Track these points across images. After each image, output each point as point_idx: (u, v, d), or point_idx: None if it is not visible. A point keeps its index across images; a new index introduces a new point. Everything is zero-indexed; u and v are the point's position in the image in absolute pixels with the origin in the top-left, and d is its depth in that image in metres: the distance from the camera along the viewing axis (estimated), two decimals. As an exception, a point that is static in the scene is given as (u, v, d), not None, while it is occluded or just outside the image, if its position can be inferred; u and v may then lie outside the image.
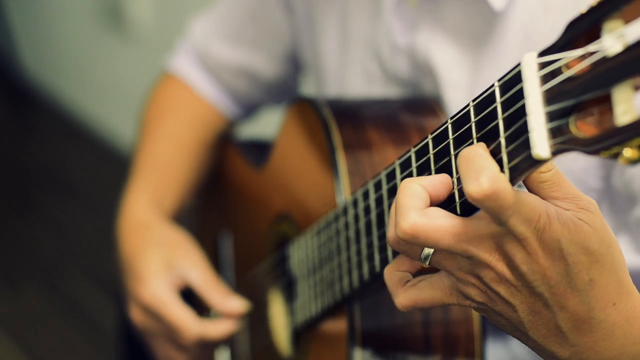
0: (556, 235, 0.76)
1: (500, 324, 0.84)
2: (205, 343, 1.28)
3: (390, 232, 0.82)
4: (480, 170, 0.73)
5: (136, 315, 1.30)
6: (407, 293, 0.85)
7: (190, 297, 1.31)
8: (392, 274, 0.87)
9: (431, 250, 0.81)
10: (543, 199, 0.77)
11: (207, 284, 1.28)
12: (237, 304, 1.28)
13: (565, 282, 0.78)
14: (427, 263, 0.82)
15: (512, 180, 0.73)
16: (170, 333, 1.27)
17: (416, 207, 0.78)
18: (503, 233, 0.76)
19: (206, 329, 1.26)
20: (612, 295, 0.79)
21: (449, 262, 0.81)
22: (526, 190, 0.78)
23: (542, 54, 0.70)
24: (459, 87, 1.13)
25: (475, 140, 0.77)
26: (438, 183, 0.80)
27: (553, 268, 0.77)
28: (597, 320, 0.79)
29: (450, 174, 0.80)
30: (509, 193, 0.72)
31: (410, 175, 0.86)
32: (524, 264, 0.77)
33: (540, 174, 0.77)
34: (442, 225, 0.77)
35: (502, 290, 0.79)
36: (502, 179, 0.72)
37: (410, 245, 0.81)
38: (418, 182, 0.80)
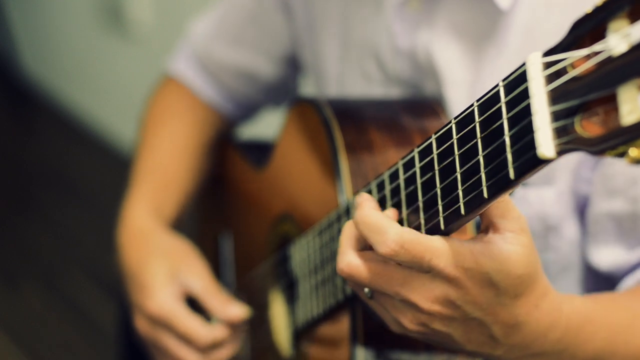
0: (485, 269, 0.82)
1: (437, 343, 0.92)
2: (219, 346, 1.28)
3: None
4: (382, 231, 0.82)
5: (142, 326, 1.30)
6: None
7: (193, 302, 1.30)
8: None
9: None
10: (486, 216, 0.82)
11: (208, 292, 1.28)
12: (237, 311, 1.28)
13: (495, 302, 0.84)
14: (371, 299, 0.90)
15: (517, 180, 0.73)
16: (182, 341, 1.27)
17: (355, 248, 0.87)
18: (433, 276, 0.83)
19: (217, 333, 1.26)
20: (534, 300, 0.86)
21: (386, 300, 0.88)
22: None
23: (547, 53, 0.70)
24: (462, 85, 1.13)
25: (479, 140, 0.77)
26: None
27: (484, 295, 0.84)
28: (524, 323, 0.87)
29: (454, 175, 0.80)
30: (418, 242, 0.81)
31: (413, 176, 0.86)
32: (458, 299, 0.84)
33: None
34: (375, 267, 0.85)
35: (437, 324, 0.87)
36: (405, 232, 0.81)
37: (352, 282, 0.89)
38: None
